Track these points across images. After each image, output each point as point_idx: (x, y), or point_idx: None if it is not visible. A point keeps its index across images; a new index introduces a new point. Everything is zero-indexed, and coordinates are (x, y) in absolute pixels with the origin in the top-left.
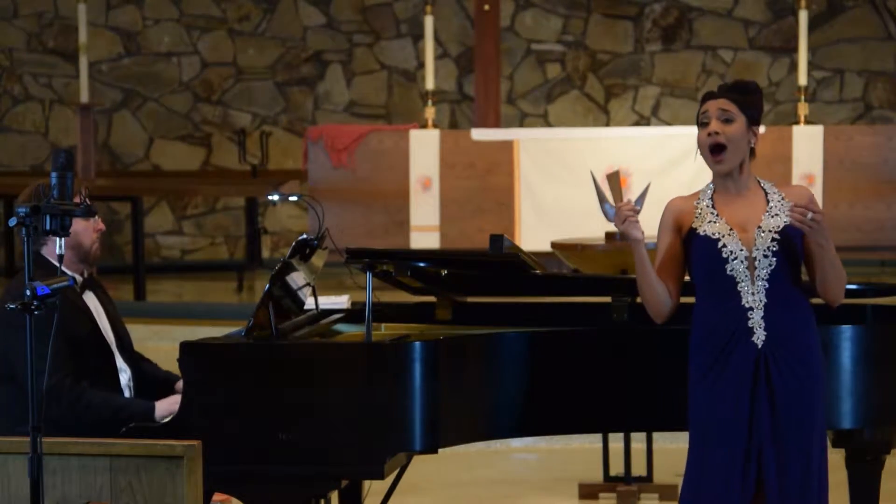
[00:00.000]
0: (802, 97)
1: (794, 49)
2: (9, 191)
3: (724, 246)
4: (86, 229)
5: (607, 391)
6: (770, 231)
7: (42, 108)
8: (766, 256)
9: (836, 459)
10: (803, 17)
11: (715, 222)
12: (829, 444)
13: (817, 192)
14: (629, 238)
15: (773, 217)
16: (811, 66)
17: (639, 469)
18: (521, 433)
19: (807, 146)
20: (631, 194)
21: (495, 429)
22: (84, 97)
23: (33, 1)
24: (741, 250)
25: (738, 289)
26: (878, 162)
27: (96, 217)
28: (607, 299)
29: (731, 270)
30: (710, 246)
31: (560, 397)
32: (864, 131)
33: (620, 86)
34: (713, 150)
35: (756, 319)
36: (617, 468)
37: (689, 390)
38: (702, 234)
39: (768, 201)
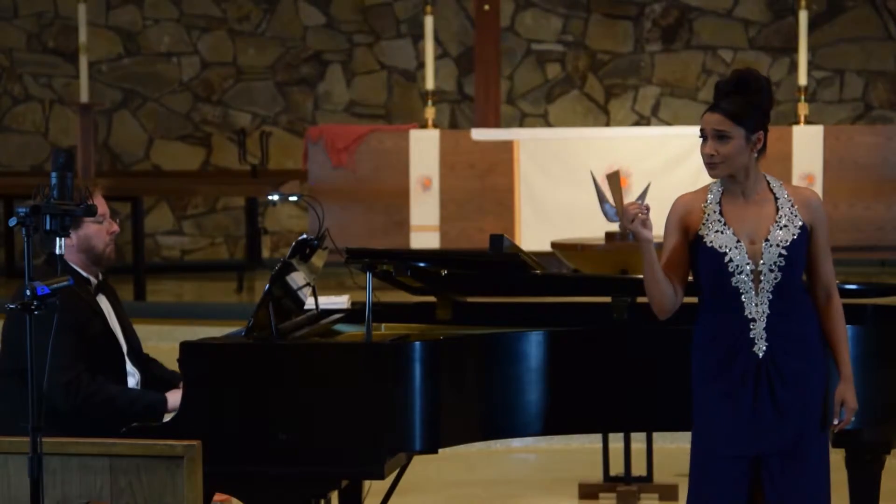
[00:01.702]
0: (802, 97)
1: (794, 49)
2: (9, 191)
3: (731, 260)
4: (98, 232)
5: (608, 391)
6: (778, 245)
7: (42, 108)
8: (771, 270)
9: (836, 459)
10: (803, 17)
11: (722, 232)
12: (829, 444)
13: (817, 192)
14: (639, 238)
15: (781, 229)
16: (811, 66)
17: (639, 469)
18: (521, 433)
19: (807, 146)
20: (631, 194)
21: (495, 429)
22: (84, 97)
23: (33, 1)
24: (747, 264)
25: (742, 300)
26: (878, 162)
27: (110, 219)
28: (607, 299)
29: (735, 283)
30: (716, 258)
31: (561, 397)
32: (864, 131)
33: (620, 86)
34: (707, 167)
35: (758, 331)
36: (617, 468)
37: (693, 393)
38: (708, 244)
39: (778, 208)
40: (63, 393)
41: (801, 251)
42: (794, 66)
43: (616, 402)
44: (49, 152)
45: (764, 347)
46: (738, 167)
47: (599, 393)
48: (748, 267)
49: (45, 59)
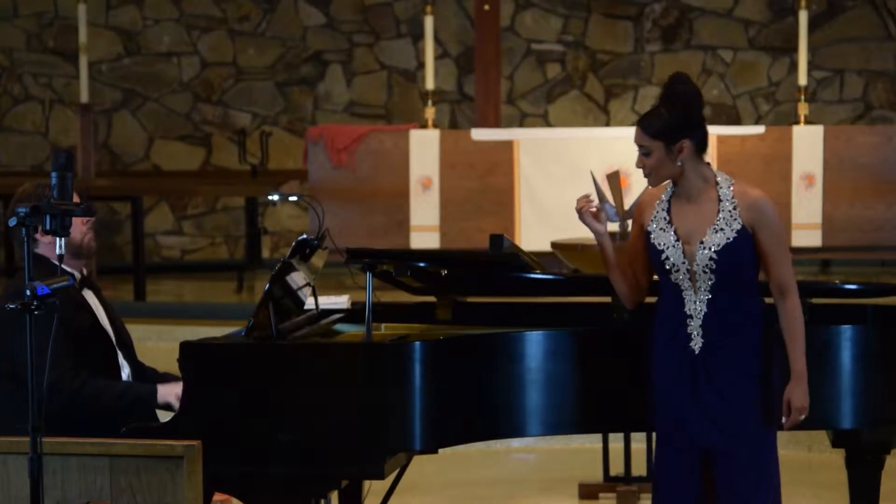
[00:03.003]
0: (802, 97)
1: (794, 49)
2: (9, 191)
3: (667, 258)
4: (74, 224)
5: (608, 391)
6: (710, 249)
7: (42, 108)
8: (705, 272)
9: (836, 459)
10: (803, 17)
11: (665, 230)
12: (829, 443)
13: (817, 193)
14: (591, 230)
15: (717, 232)
16: (811, 66)
17: (639, 469)
18: (521, 433)
19: (807, 146)
20: (631, 194)
21: (495, 429)
22: (84, 97)
23: (33, 1)
24: (683, 263)
25: (683, 296)
26: (878, 162)
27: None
28: (607, 299)
29: (675, 279)
30: (657, 255)
31: (560, 397)
32: (864, 131)
33: (620, 86)
34: (644, 176)
35: (694, 328)
36: (617, 468)
37: (651, 374)
38: (652, 241)
39: (719, 210)
40: (48, 393)
41: (738, 254)
42: (794, 66)
43: (616, 402)
44: (49, 152)
45: (700, 344)
46: (667, 175)
47: (599, 393)
48: (684, 266)
49: (45, 59)
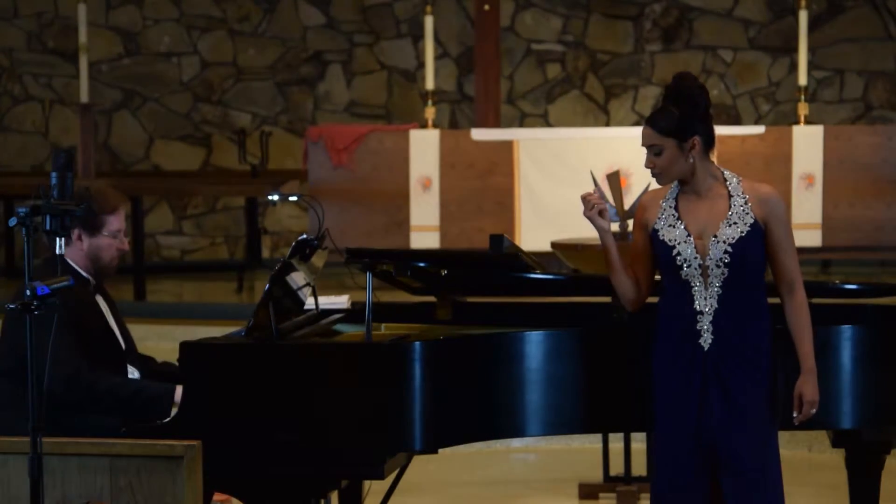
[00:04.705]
0: (802, 97)
1: (794, 49)
2: (9, 191)
3: (679, 254)
4: (109, 246)
5: (608, 391)
6: (724, 242)
7: (42, 108)
8: (718, 266)
9: (836, 459)
10: (803, 17)
11: (674, 226)
12: (829, 443)
13: (817, 193)
14: (596, 228)
15: (730, 226)
16: (811, 66)
17: (639, 469)
18: (522, 433)
19: (807, 146)
20: (631, 194)
21: (495, 429)
22: (84, 97)
23: (33, 1)
24: (695, 258)
25: (693, 293)
26: (878, 162)
27: (123, 238)
28: (607, 299)
29: (685, 276)
30: (667, 251)
31: (561, 397)
32: (864, 131)
33: (620, 86)
34: (653, 176)
35: (705, 324)
36: (617, 468)
37: (654, 378)
38: (661, 238)
39: (731, 205)
40: (65, 385)
41: (751, 248)
42: (794, 66)
43: (616, 402)
44: (49, 152)
45: (710, 340)
46: (679, 173)
47: (599, 393)
48: (696, 261)
49: (45, 59)
